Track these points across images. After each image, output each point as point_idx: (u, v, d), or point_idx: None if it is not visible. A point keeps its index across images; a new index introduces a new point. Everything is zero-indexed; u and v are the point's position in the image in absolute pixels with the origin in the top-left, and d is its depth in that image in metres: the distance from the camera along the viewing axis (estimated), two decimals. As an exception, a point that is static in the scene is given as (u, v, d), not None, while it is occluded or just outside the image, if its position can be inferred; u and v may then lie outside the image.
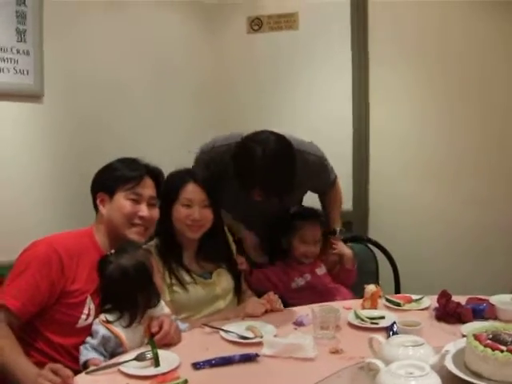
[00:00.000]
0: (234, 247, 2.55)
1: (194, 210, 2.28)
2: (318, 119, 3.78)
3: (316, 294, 2.61)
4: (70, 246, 2.01)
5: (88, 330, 1.94)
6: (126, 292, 1.95)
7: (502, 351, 1.55)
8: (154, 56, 3.44)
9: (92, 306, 1.98)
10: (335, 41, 3.68)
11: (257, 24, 3.84)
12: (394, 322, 2.01)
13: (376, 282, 3.06)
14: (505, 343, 1.60)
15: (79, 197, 2.80)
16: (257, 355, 1.82)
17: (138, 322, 1.94)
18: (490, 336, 1.66)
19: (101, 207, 2.15)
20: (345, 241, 3.03)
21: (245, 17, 3.89)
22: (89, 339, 1.91)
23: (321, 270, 2.72)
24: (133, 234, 2.13)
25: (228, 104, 3.85)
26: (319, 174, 2.67)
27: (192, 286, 2.30)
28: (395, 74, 3.64)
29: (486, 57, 3.52)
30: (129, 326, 1.92)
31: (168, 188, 2.31)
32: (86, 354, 1.86)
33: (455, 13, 3.52)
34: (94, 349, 1.88)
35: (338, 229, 2.82)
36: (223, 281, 2.40)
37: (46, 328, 1.93)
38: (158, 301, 2.02)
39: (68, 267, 1.95)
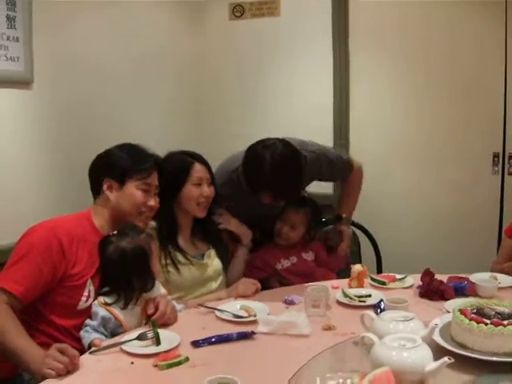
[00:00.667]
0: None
1: (204, 188, 2.36)
2: (299, 106, 3.85)
3: (301, 277, 2.65)
4: (70, 230, 2.04)
5: (88, 312, 1.99)
6: (123, 275, 2.00)
7: (486, 324, 1.67)
8: (138, 42, 3.46)
9: (92, 288, 2.04)
10: (316, 28, 3.73)
11: (239, 11, 3.87)
12: (382, 300, 2.11)
13: (358, 262, 3.18)
14: (488, 317, 1.71)
15: (71, 181, 2.86)
16: (253, 333, 1.89)
17: (135, 304, 2.00)
18: (475, 310, 1.77)
19: (108, 192, 2.18)
20: (328, 222, 3.14)
21: (227, 3, 3.92)
22: (89, 321, 1.96)
23: (307, 256, 2.76)
24: (139, 222, 2.20)
25: (210, 89, 3.90)
26: (321, 168, 2.73)
27: (186, 267, 2.36)
28: (376, 62, 3.71)
29: (467, 46, 3.59)
30: (124, 308, 1.98)
31: (175, 169, 2.37)
32: (89, 335, 1.91)
33: (437, 2, 3.57)
34: (95, 330, 1.93)
35: (343, 215, 2.90)
36: (214, 262, 2.47)
37: (47, 310, 1.98)
38: (153, 285, 2.07)
39: (68, 251, 1.99)
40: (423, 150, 3.74)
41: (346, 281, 2.44)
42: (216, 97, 3.82)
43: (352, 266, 2.44)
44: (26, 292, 1.89)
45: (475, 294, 2.21)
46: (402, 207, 3.79)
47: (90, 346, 1.86)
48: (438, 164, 3.73)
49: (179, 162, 2.39)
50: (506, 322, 1.67)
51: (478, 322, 1.68)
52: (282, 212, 2.71)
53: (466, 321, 1.69)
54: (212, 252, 2.50)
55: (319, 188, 3.73)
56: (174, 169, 2.37)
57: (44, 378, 1.61)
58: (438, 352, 1.62)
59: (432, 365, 1.49)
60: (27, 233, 2.02)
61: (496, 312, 1.75)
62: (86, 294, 2.02)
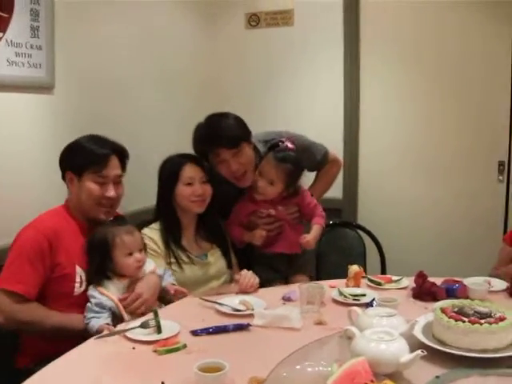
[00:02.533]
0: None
1: (196, 187, 2.49)
2: (309, 114, 3.97)
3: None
4: (53, 225, 2.20)
5: (84, 295, 2.15)
6: (88, 257, 2.21)
7: (463, 321, 1.77)
8: (156, 51, 3.58)
9: (83, 274, 2.21)
10: (328, 38, 3.84)
11: (254, 20, 4.00)
12: (374, 299, 2.23)
13: (363, 264, 3.29)
14: (467, 315, 1.82)
15: None
16: (249, 325, 2.02)
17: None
18: (456, 309, 1.88)
19: (70, 186, 2.29)
20: (335, 225, 3.25)
21: (243, 13, 4.05)
22: (88, 305, 2.11)
23: (283, 209, 2.72)
24: (101, 214, 2.29)
25: (225, 97, 4.00)
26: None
27: (189, 266, 2.49)
28: (386, 70, 3.80)
29: (480, 53, 3.67)
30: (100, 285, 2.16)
31: (167, 172, 2.53)
32: (97, 321, 2.05)
33: (449, 8, 3.64)
34: (93, 310, 2.09)
35: None
36: (218, 261, 2.60)
37: (49, 303, 2.16)
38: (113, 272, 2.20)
39: (55, 243, 2.17)
40: (431, 158, 3.81)
41: (343, 281, 2.55)
42: (232, 103, 3.93)
43: (349, 266, 2.54)
44: (28, 289, 2.09)
45: (466, 297, 2.27)
46: (409, 213, 3.87)
47: (98, 331, 2.00)
48: (445, 171, 3.81)
49: (171, 164, 2.54)
50: (482, 321, 1.77)
51: (456, 320, 1.78)
52: (261, 165, 2.67)
53: (446, 318, 1.80)
54: (217, 251, 2.62)
55: (329, 192, 3.87)
56: (167, 171, 2.53)
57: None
58: (418, 347, 1.74)
59: (406, 357, 1.60)
60: (18, 235, 2.18)
61: (475, 311, 1.85)
62: (78, 280, 2.19)
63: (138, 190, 2.91)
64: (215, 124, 2.63)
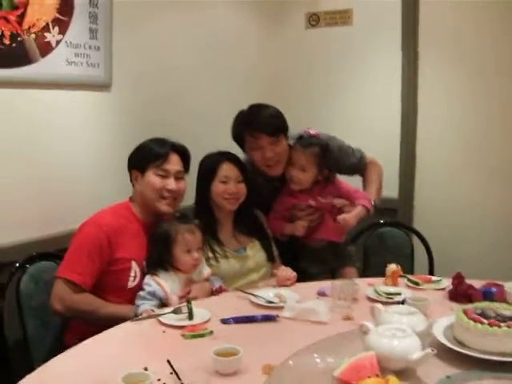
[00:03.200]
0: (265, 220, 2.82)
1: (230, 185, 2.58)
2: (367, 113, 3.96)
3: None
4: (113, 222, 2.35)
5: (137, 288, 2.30)
6: (151, 250, 2.37)
7: (482, 323, 1.77)
8: (216, 50, 3.68)
9: (138, 269, 2.36)
10: (387, 36, 3.81)
11: (314, 20, 4.04)
12: (405, 298, 2.25)
13: (410, 265, 3.29)
14: (488, 317, 1.81)
15: None
16: (277, 316, 2.10)
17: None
18: (479, 311, 1.87)
19: (134, 183, 2.46)
20: (384, 224, 3.26)
21: (303, 13, 4.10)
22: (141, 293, 2.27)
23: (322, 199, 2.80)
24: (163, 206, 2.43)
25: (286, 97, 4.01)
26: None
27: (225, 260, 2.58)
28: (445, 69, 3.72)
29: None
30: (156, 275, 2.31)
31: (205, 169, 2.64)
32: (142, 306, 2.21)
33: (510, 8, 3.52)
34: (144, 298, 2.24)
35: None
36: (257, 255, 2.67)
37: (103, 292, 2.31)
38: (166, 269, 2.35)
39: (114, 240, 2.31)
40: (492, 159, 3.71)
41: (381, 279, 2.57)
42: (290, 105, 3.93)
43: (388, 265, 2.56)
44: (85, 279, 2.25)
45: (504, 301, 2.23)
46: (467, 216, 3.75)
47: (140, 315, 2.16)
48: (506, 173, 3.69)
49: (209, 161, 2.65)
50: (502, 324, 1.76)
51: (475, 321, 1.78)
52: (290, 157, 2.76)
53: (465, 319, 1.80)
54: (256, 244, 2.69)
55: (384, 192, 3.86)
56: (205, 167, 2.64)
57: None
58: (439, 348, 1.73)
59: (416, 354, 1.62)
60: (79, 230, 2.34)
61: (497, 314, 1.83)
62: (132, 274, 2.34)
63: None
64: (260, 111, 2.74)
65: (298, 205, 2.81)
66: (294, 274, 2.54)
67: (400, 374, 1.60)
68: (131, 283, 2.34)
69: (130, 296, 2.30)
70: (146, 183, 2.42)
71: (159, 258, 2.33)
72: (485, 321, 1.79)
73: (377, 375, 1.53)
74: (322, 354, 1.70)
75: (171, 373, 1.62)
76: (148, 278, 2.30)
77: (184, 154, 2.51)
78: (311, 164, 2.74)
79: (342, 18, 3.90)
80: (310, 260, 2.86)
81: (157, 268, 2.33)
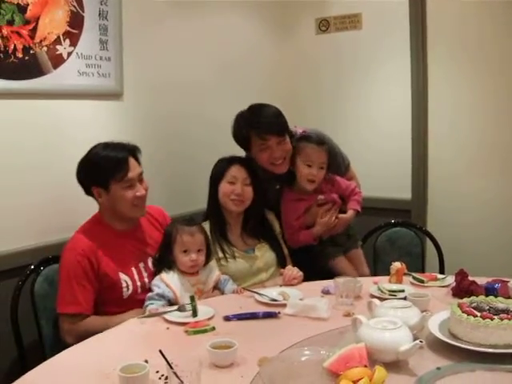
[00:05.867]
0: (276, 223, 2.88)
1: (237, 186, 2.66)
2: (378, 116, 3.99)
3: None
4: (89, 242, 2.33)
5: (135, 295, 2.38)
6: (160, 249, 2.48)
7: (475, 316, 1.80)
8: (226, 56, 3.74)
9: (127, 278, 2.39)
10: (396, 38, 3.83)
11: (324, 25, 4.08)
12: (407, 294, 2.28)
13: (422, 265, 3.32)
14: (481, 310, 1.84)
15: (158, 185, 3.13)
16: (278, 313, 2.17)
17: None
18: (474, 305, 1.90)
19: (99, 199, 2.41)
20: (395, 224, 3.31)
21: (313, 18, 4.14)
22: (149, 294, 2.35)
23: (328, 195, 2.90)
24: (137, 213, 2.45)
25: (296, 102, 4.13)
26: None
27: (234, 260, 2.66)
28: (455, 73, 3.73)
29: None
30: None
31: (216, 170, 2.73)
32: (150, 305, 2.29)
33: None
34: (153, 298, 2.32)
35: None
36: (265, 255, 2.74)
37: (105, 307, 2.36)
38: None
39: (95, 260, 2.32)
40: (502, 159, 3.70)
41: (387, 277, 2.61)
42: (300, 111, 3.99)
43: (392, 263, 2.59)
44: (83, 307, 2.28)
45: (507, 296, 2.22)
46: (479, 215, 3.76)
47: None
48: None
49: (220, 163, 2.74)
50: (495, 317, 1.78)
51: (468, 314, 1.81)
52: (299, 151, 2.82)
53: (459, 312, 1.84)
54: (264, 245, 2.76)
55: (398, 193, 3.90)
56: (216, 168, 2.73)
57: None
58: (433, 341, 1.81)
59: (405, 346, 1.67)
60: (61, 259, 2.35)
61: (491, 307, 1.87)
62: (124, 285, 2.38)
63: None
64: (263, 112, 2.77)
65: (311, 206, 2.86)
66: (301, 273, 2.60)
67: (392, 365, 1.65)
68: (126, 293, 2.38)
69: (131, 304, 2.36)
70: (114, 198, 2.38)
71: (163, 255, 2.43)
72: (478, 313, 1.81)
73: (365, 366, 1.58)
74: (315, 346, 1.75)
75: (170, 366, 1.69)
76: (157, 280, 2.39)
77: (136, 153, 2.45)
78: (327, 160, 2.82)
79: (351, 22, 3.94)
80: (327, 244, 2.95)
81: (164, 267, 2.42)
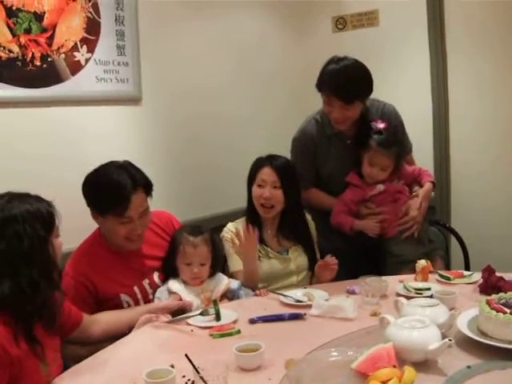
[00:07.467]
0: (313, 225, 2.83)
1: (265, 190, 2.62)
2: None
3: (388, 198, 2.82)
4: (87, 266, 2.24)
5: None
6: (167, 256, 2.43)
7: (504, 313, 1.77)
8: (245, 59, 3.74)
9: (129, 299, 2.30)
10: (414, 34, 3.78)
11: (341, 23, 4.05)
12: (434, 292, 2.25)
13: (447, 262, 3.26)
14: (510, 307, 1.81)
15: (179, 190, 3.22)
16: (304, 314, 2.14)
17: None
18: (502, 301, 1.87)
19: (95, 220, 2.26)
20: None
21: (330, 16, 4.11)
22: (156, 300, 2.32)
23: (396, 183, 2.86)
24: (128, 247, 2.30)
25: (314, 102, 4.08)
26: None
27: (267, 260, 2.64)
28: (475, 68, 3.67)
29: None
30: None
31: (250, 171, 2.70)
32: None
33: None
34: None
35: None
36: (299, 258, 2.71)
37: None
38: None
39: (92, 282, 2.23)
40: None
41: (412, 276, 2.57)
42: (318, 108, 3.99)
43: (418, 261, 2.56)
44: (81, 317, 2.09)
45: None
46: (503, 214, 3.71)
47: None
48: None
49: (254, 164, 2.71)
50: (525, 313, 1.76)
51: (497, 311, 1.78)
52: (367, 150, 2.77)
53: (487, 309, 1.81)
54: (299, 248, 2.72)
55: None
56: (251, 169, 2.70)
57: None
58: (462, 339, 1.78)
59: (434, 344, 1.64)
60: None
61: (519, 303, 1.83)
62: (125, 306, 2.30)
63: (230, 194, 3.15)
64: (339, 73, 2.71)
65: (367, 204, 2.83)
66: (336, 261, 2.54)
67: (421, 365, 1.63)
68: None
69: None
70: (107, 228, 2.26)
71: (169, 261, 2.39)
72: (507, 310, 1.78)
73: (394, 366, 1.55)
74: (342, 347, 1.73)
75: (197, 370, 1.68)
76: (159, 292, 2.34)
77: (147, 186, 2.28)
78: (392, 162, 2.79)
79: (368, 19, 3.90)
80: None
81: (168, 272, 2.40)
